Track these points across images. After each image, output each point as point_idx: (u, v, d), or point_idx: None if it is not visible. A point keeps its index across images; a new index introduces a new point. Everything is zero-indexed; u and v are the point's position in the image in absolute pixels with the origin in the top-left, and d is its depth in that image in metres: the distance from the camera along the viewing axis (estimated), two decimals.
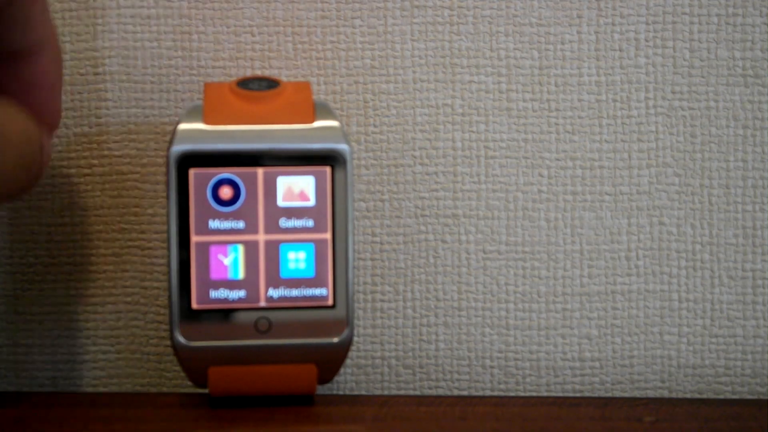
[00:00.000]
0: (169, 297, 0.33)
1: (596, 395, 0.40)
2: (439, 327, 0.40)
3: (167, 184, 0.32)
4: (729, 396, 0.40)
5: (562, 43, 0.39)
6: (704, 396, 0.40)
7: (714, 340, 0.40)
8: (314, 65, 0.40)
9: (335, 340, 0.33)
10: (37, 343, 0.41)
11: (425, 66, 0.39)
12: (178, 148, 0.32)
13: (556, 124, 0.40)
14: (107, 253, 0.40)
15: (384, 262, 0.40)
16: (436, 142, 0.40)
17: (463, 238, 0.40)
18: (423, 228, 0.40)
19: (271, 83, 0.34)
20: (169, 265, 0.33)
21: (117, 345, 0.40)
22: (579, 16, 0.39)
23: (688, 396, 0.40)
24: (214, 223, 0.33)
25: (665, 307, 0.40)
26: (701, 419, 0.35)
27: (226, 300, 0.33)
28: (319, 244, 0.33)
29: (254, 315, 0.33)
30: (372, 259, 0.40)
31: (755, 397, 0.40)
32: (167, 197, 0.32)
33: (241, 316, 0.33)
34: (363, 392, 0.40)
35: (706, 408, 0.36)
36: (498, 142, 0.40)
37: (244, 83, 0.34)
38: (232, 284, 0.33)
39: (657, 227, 0.40)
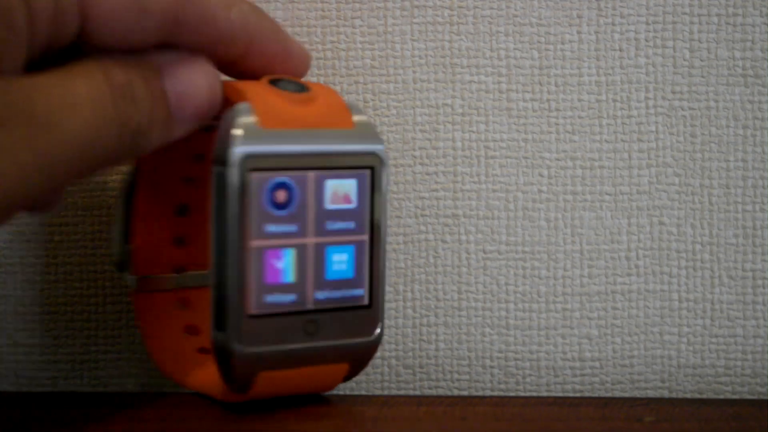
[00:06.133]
0: (222, 303, 0.32)
1: (596, 395, 0.40)
2: (439, 327, 0.40)
3: (224, 186, 0.31)
4: (729, 396, 0.40)
5: (562, 43, 0.39)
6: (704, 396, 0.40)
7: (714, 340, 0.40)
8: (314, 65, 0.40)
9: (370, 338, 0.34)
10: (37, 343, 0.41)
11: (425, 66, 0.39)
12: (242, 149, 0.31)
13: (556, 124, 0.40)
14: (107, 253, 0.40)
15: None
16: (436, 142, 0.40)
17: (463, 238, 0.40)
18: (423, 228, 0.40)
19: (300, 85, 0.34)
20: (222, 270, 0.32)
21: (117, 345, 0.40)
22: (579, 16, 0.39)
23: (688, 396, 0.40)
24: (269, 228, 0.32)
25: (665, 307, 0.40)
26: (701, 419, 0.35)
27: (279, 304, 0.33)
28: (359, 246, 0.34)
29: (303, 318, 0.33)
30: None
31: (755, 397, 0.40)
32: (220, 200, 0.32)
33: (292, 320, 0.33)
34: (363, 392, 0.40)
35: (706, 408, 0.36)
36: (498, 142, 0.40)
37: (275, 82, 0.33)
38: (284, 288, 0.33)
39: (657, 227, 0.40)
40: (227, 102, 0.32)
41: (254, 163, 0.32)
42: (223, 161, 0.31)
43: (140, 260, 0.37)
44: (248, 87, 0.33)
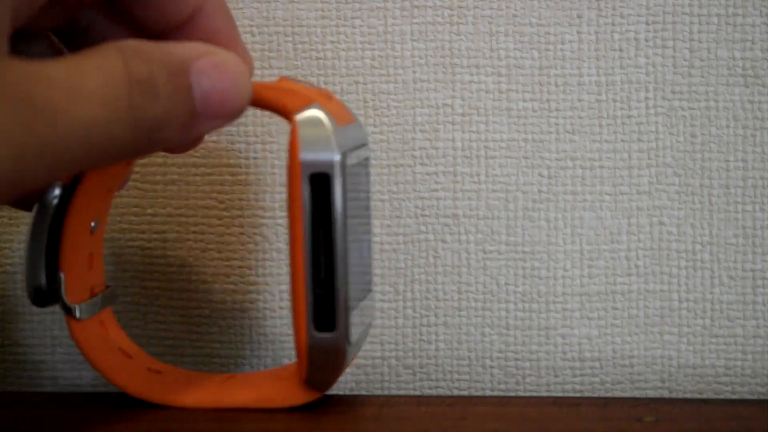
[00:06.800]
0: (328, 303, 0.32)
1: (596, 395, 0.40)
2: (439, 327, 0.40)
3: (330, 187, 0.32)
4: (729, 396, 0.40)
5: (562, 43, 0.39)
6: (704, 396, 0.40)
7: (714, 340, 0.40)
8: (314, 65, 0.40)
9: (372, 320, 0.36)
10: (37, 343, 0.41)
11: (425, 66, 0.39)
12: (341, 149, 0.32)
13: (556, 124, 0.40)
14: (107, 253, 0.40)
15: (384, 262, 0.40)
16: (436, 142, 0.40)
17: (463, 238, 0.40)
18: (423, 228, 0.40)
19: (315, 85, 0.35)
20: (328, 271, 0.32)
21: None
22: (579, 16, 0.39)
23: (688, 396, 0.40)
24: (351, 223, 0.33)
25: (665, 307, 0.40)
26: (701, 419, 0.35)
27: (354, 297, 0.33)
28: (368, 237, 0.35)
29: (359, 307, 0.34)
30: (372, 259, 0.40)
31: (755, 397, 0.40)
32: (319, 201, 0.32)
33: (357, 311, 0.34)
34: (363, 392, 0.40)
35: (706, 408, 0.36)
36: (498, 142, 0.40)
37: (300, 82, 0.34)
38: (354, 281, 0.34)
39: (657, 227, 0.40)
40: (274, 104, 0.33)
41: (348, 160, 0.32)
42: (324, 163, 0.31)
43: (71, 287, 0.33)
44: (301, 89, 0.33)
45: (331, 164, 0.31)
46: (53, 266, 0.33)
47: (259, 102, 0.32)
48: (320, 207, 0.32)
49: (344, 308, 0.32)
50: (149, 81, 0.27)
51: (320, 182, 0.32)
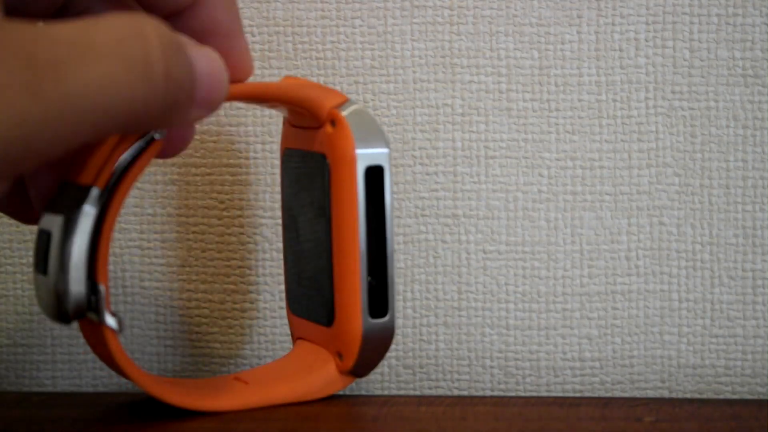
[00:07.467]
0: (383, 289, 0.34)
1: (596, 395, 0.40)
2: (439, 327, 0.40)
3: (383, 180, 0.33)
4: (729, 396, 0.40)
5: (562, 43, 0.39)
6: (704, 396, 0.40)
7: (714, 340, 0.40)
8: (314, 65, 0.40)
9: None
10: (37, 343, 0.41)
11: (425, 66, 0.39)
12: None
13: (556, 124, 0.40)
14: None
15: None
16: (436, 142, 0.40)
17: (463, 238, 0.40)
18: (423, 228, 0.40)
19: None
20: (383, 260, 0.33)
21: None
22: (579, 16, 0.39)
23: (688, 396, 0.40)
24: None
25: (665, 307, 0.40)
26: (701, 419, 0.35)
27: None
28: None
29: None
30: None
31: (755, 397, 0.40)
32: (372, 195, 0.33)
33: None
34: (363, 392, 0.40)
35: (706, 408, 0.36)
36: (498, 142, 0.40)
37: None
38: None
39: (657, 227, 0.40)
40: (308, 100, 0.33)
41: None
42: (379, 156, 0.33)
43: (107, 299, 0.30)
44: (329, 88, 0.34)
45: (384, 157, 0.33)
46: (91, 279, 0.29)
47: (292, 99, 0.33)
48: (370, 199, 0.33)
49: (393, 293, 0.34)
50: (173, 41, 0.25)
51: (371, 175, 0.33)
